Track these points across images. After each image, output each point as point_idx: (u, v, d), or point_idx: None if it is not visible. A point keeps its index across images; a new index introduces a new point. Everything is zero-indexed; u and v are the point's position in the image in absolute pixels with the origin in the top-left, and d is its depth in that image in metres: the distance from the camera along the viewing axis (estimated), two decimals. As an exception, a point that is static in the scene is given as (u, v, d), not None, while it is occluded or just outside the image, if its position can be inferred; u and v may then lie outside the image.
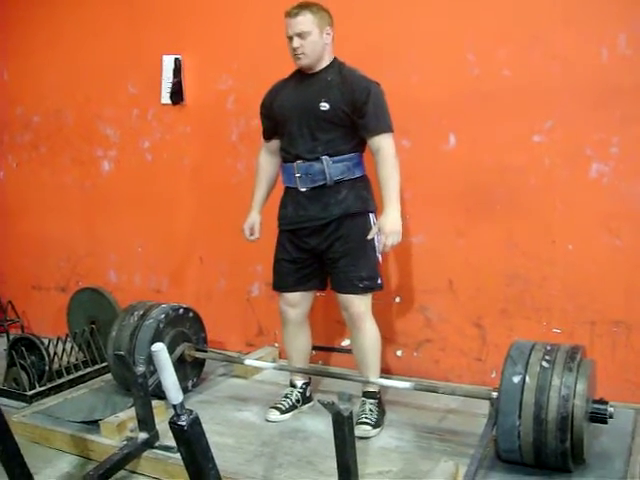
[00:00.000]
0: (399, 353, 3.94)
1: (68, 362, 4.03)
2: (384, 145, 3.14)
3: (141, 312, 3.65)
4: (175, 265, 4.70)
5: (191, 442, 2.14)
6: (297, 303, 3.41)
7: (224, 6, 4.30)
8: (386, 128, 3.16)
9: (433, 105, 3.73)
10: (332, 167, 3.18)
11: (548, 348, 2.74)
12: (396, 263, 3.92)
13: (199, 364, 3.86)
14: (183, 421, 2.12)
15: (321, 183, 3.21)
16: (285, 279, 3.41)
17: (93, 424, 3.22)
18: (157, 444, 2.99)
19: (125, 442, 2.99)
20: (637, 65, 3.28)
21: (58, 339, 4.05)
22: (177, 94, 4.45)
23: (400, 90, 3.68)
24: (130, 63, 4.66)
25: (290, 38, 3.16)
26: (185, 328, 3.74)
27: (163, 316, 3.59)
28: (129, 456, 2.87)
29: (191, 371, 3.78)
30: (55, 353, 3.95)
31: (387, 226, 3.08)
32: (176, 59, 4.42)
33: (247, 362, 3.67)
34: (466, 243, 3.74)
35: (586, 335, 3.50)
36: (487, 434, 2.73)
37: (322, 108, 3.16)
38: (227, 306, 4.46)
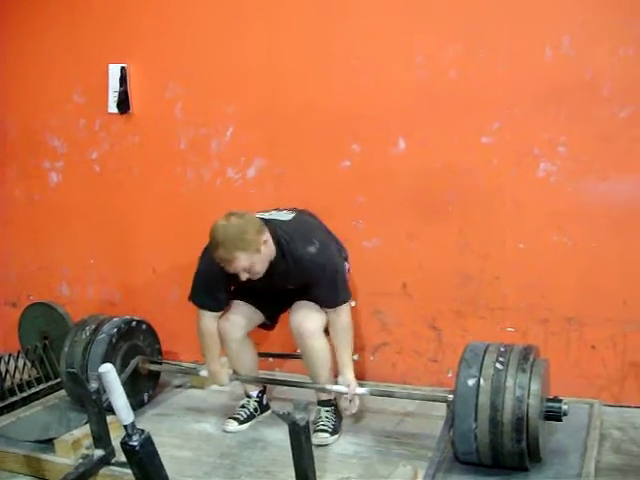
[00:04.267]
0: (355, 357, 3.90)
1: (21, 379, 3.93)
2: (339, 316, 3.18)
3: (93, 326, 3.60)
4: (128, 277, 4.64)
5: (143, 462, 2.12)
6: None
7: (169, 14, 4.24)
8: (340, 301, 3.16)
9: (382, 108, 3.74)
10: None
11: (502, 349, 2.76)
12: (350, 267, 3.91)
13: (154, 376, 3.82)
14: (135, 441, 2.09)
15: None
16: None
17: (47, 443, 3.15)
18: (114, 460, 2.92)
19: (81, 460, 2.94)
20: (580, 65, 3.33)
21: (10, 356, 3.98)
22: (124, 103, 4.39)
23: (349, 93, 3.70)
24: (75, 72, 4.56)
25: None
26: (139, 341, 3.70)
27: (115, 330, 3.54)
28: (85, 474, 2.80)
29: (147, 384, 3.74)
30: (7, 370, 3.86)
31: (352, 386, 3.17)
32: (122, 68, 4.37)
33: (203, 373, 3.62)
34: (419, 246, 3.75)
35: (540, 333, 3.55)
36: (444, 437, 2.74)
37: (289, 288, 3.22)
38: (182, 316, 4.37)
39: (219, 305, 3.30)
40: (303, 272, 3.10)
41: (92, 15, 4.48)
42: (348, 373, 3.18)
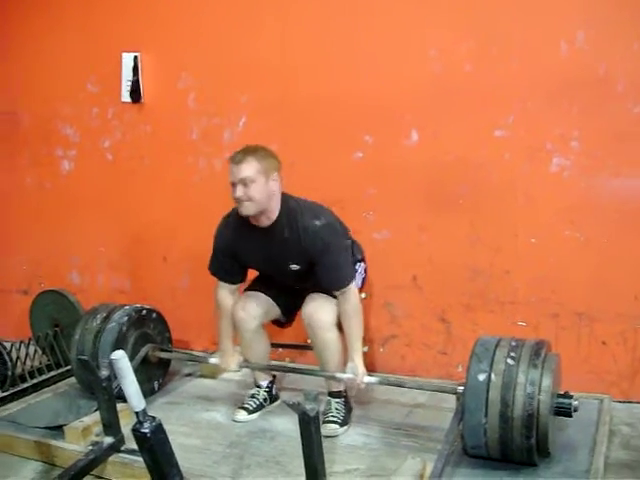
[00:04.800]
0: (365, 349, 3.92)
1: (31, 366, 3.96)
2: (347, 299, 3.16)
3: (104, 315, 3.61)
4: (138, 265, 4.65)
5: (154, 449, 2.12)
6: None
7: (183, 3, 4.25)
8: (346, 281, 3.14)
9: (395, 101, 3.73)
10: None
11: (513, 344, 2.75)
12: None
13: (164, 364, 3.83)
14: (146, 428, 2.10)
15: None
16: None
17: (58, 429, 3.16)
18: (123, 448, 2.94)
19: (90, 447, 2.94)
20: (594, 60, 3.32)
21: (21, 343, 3.99)
22: (136, 92, 4.40)
23: (363, 86, 3.69)
24: (89, 61, 4.58)
25: (233, 184, 3.04)
26: (149, 329, 3.71)
27: (126, 318, 3.55)
28: (95, 461, 2.82)
29: (156, 372, 3.76)
30: (18, 357, 3.89)
31: (361, 373, 3.15)
32: (135, 56, 4.37)
33: (212, 361, 3.62)
34: (430, 238, 3.75)
35: (551, 327, 3.54)
36: (453, 430, 2.73)
37: (293, 268, 3.19)
38: (192, 305, 4.42)
39: (232, 277, 3.38)
40: (305, 244, 3.08)
41: (106, 3, 4.49)
42: (357, 359, 3.17)
